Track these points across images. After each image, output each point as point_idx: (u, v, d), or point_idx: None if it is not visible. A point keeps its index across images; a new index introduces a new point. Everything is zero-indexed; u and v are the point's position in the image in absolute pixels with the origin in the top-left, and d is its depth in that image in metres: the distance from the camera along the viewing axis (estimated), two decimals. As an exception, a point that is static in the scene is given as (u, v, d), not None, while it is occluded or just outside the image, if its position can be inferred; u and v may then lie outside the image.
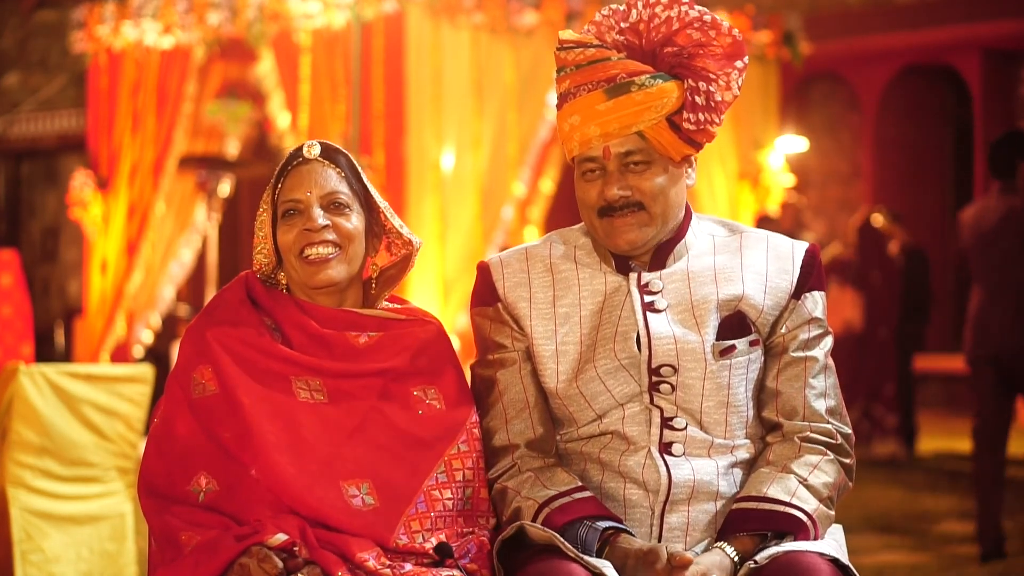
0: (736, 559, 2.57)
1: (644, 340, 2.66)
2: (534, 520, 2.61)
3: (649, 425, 2.66)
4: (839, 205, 14.65)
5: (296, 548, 2.49)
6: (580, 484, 2.65)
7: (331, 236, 2.68)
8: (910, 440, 10.59)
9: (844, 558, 2.63)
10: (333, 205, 2.70)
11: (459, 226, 8.56)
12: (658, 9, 2.65)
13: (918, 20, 13.46)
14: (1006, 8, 13.04)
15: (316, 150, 2.72)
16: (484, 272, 2.78)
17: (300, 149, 2.73)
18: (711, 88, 2.62)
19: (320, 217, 2.68)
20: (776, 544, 2.59)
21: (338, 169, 2.72)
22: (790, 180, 10.60)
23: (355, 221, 2.71)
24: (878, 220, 10.82)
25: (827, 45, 12.63)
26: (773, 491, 2.61)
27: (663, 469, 2.64)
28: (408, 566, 2.54)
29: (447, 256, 8.33)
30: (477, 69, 8.73)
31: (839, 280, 10.49)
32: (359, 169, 2.76)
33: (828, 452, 2.69)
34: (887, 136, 14.44)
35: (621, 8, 2.69)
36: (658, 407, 2.66)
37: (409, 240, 2.79)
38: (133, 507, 5.26)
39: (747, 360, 2.69)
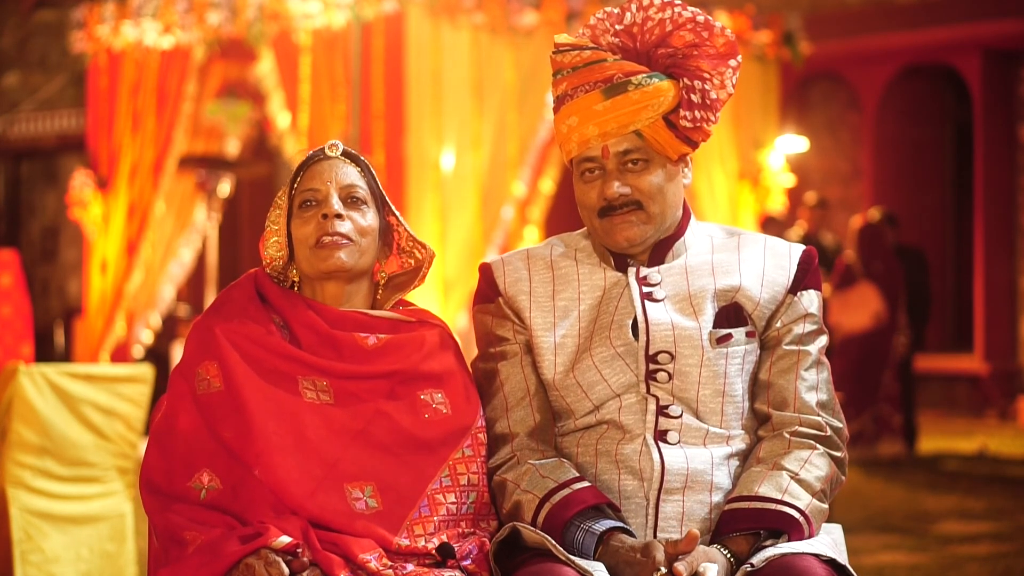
0: (731, 560, 2.57)
1: (642, 327, 2.69)
2: (536, 514, 2.61)
3: (645, 414, 2.68)
4: (839, 205, 14.64)
5: (300, 551, 2.48)
6: (578, 475, 2.66)
7: (345, 228, 2.69)
8: (911, 440, 10.61)
9: (842, 558, 2.63)
10: (350, 199, 2.71)
11: (459, 226, 8.56)
12: (652, 11, 2.68)
13: (918, 20, 13.45)
14: (1006, 8, 13.03)
15: (338, 150, 2.76)
16: (486, 271, 2.82)
17: (322, 148, 2.76)
18: (706, 87, 2.65)
19: (337, 205, 2.69)
20: (772, 543, 2.59)
21: (358, 168, 2.75)
22: (790, 180, 10.60)
23: (370, 218, 2.73)
24: (875, 216, 10.84)
25: (827, 45, 12.62)
26: (764, 489, 2.62)
27: (656, 456, 2.65)
28: (410, 566, 2.54)
29: (447, 256, 8.33)
30: (477, 69, 8.72)
31: (847, 281, 10.50)
32: (377, 178, 2.79)
33: (818, 446, 2.70)
34: (887, 136, 14.43)
35: (615, 11, 2.72)
36: (654, 396, 2.68)
37: (422, 257, 2.81)
38: (133, 507, 5.26)
39: (744, 351, 2.71)
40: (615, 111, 2.65)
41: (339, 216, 2.68)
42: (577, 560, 2.53)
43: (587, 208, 2.73)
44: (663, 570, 2.50)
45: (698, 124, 2.66)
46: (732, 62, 2.68)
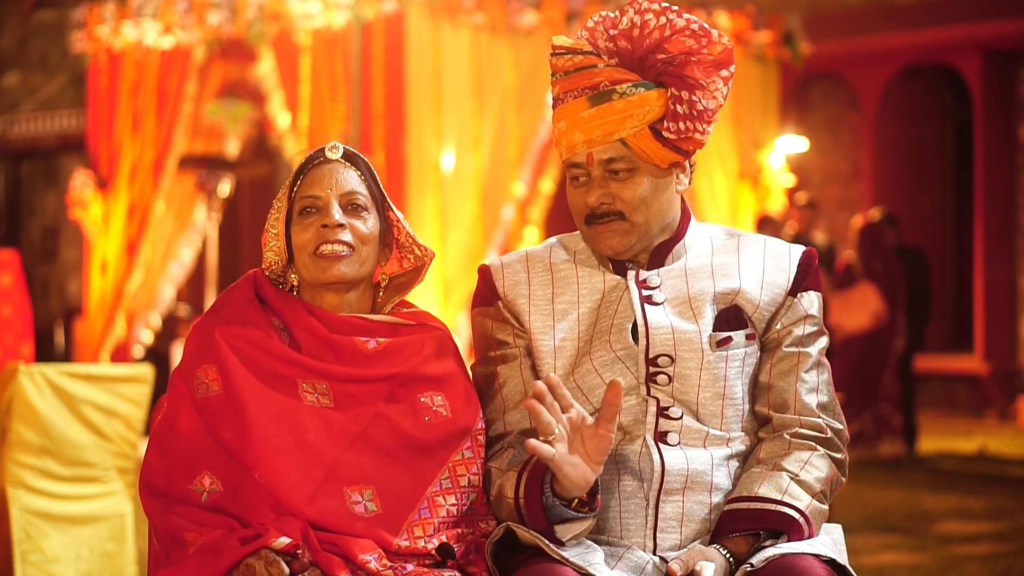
0: (731, 560, 2.57)
1: (642, 330, 2.68)
2: (517, 489, 2.60)
3: (645, 415, 2.67)
4: (839, 205, 14.65)
5: (300, 552, 2.48)
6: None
7: (346, 237, 2.68)
8: (911, 440, 10.62)
9: (842, 558, 2.63)
10: (351, 206, 2.70)
11: (459, 226, 8.56)
12: (648, 16, 2.66)
13: (918, 20, 13.46)
14: (1006, 8, 13.04)
15: (338, 152, 2.74)
16: (485, 273, 2.81)
17: (322, 150, 2.74)
18: (694, 97, 2.63)
19: (338, 215, 2.68)
20: (771, 544, 2.59)
21: (359, 172, 2.74)
22: (790, 180, 10.60)
23: (371, 225, 2.71)
24: (875, 216, 10.86)
25: (827, 45, 12.63)
26: (764, 490, 2.62)
27: (656, 457, 2.64)
28: (410, 567, 2.54)
29: (447, 256, 8.33)
30: (477, 69, 8.73)
31: (847, 281, 10.51)
32: (377, 178, 2.77)
33: (818, 447, 2.70)
34: (887, 136, 14.44)
35: (614, 14, 2.70)
36: (655, 398, 2.68)
37: (422, 255, 2.80)
38: (133, 507, 5.27)
39: (744, 353, 2.70)
40: (600, 119, 2.64)
41: (340, 226, 2.68)
42: (572, 558, 2.53)
43: (576, 213, 2.73)
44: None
45: (683, 135, 2.64)
46: (724, 72, 2.66)
